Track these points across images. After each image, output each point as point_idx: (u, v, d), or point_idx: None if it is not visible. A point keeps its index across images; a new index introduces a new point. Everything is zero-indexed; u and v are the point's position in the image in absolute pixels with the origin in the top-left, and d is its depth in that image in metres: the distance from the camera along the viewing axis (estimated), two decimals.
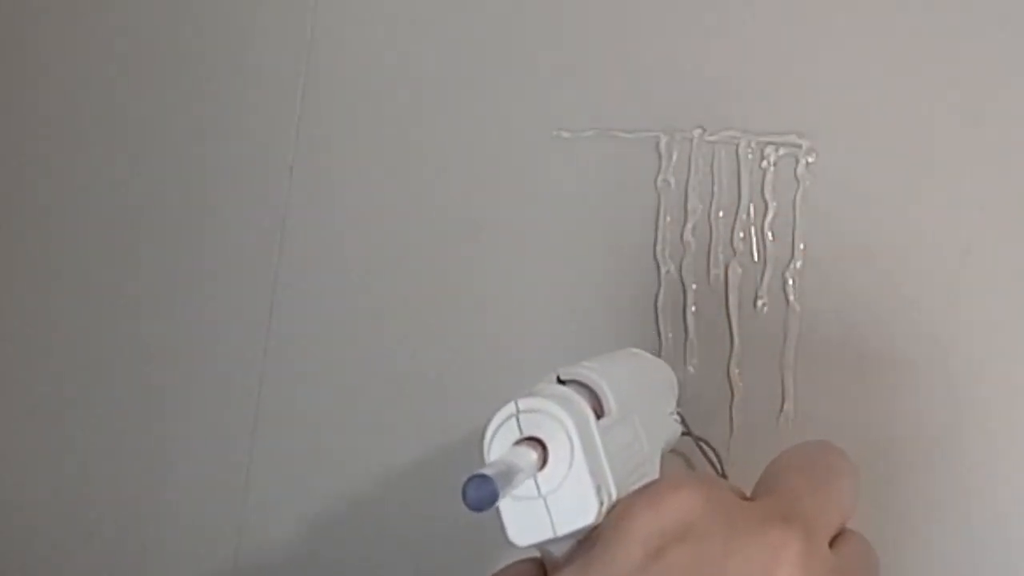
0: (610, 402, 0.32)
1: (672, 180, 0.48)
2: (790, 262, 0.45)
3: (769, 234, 0.46)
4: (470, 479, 0.26)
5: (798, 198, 0.46)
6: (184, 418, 0.56)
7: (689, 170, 0.47)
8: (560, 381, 0.32)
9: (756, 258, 0.46)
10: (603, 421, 0.31)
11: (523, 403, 0.29)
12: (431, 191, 0.52)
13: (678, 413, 0.40)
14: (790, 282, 0.45)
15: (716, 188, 0.47)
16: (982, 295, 0.43)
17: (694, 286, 0.47)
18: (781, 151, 0.46)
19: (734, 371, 0.46)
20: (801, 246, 0.45)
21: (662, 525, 0.29)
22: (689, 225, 0.47)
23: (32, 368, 0.60)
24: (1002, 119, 0.43)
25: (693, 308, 0.47)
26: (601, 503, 0.29)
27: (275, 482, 0.54)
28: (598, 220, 0.49)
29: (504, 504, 0.29)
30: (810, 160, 0.46)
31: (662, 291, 0.47)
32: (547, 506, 0.29)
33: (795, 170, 0.46)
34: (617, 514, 0.29)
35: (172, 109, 0.58)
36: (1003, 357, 0.42)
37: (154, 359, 0.57)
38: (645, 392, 0.36)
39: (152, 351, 0.57)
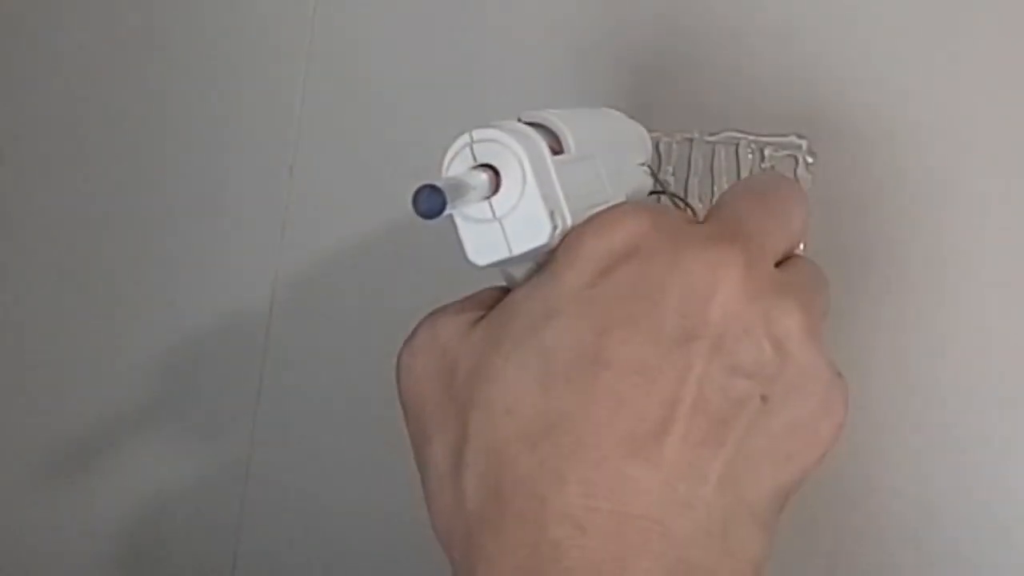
0: (569, 142, 0.32)
1: (672, 180, 0.48)
2: None
3: None
4: (420, 188, 0.27)
5: None
6: (185, 419, 0.56)
7: (689, 170, 0.47)
8: (522, 123, 0.32)
9: None
10: (560, 156, 0.32)
11: (477, 133, 0.30)
12: None
13: (648, 167, 0.40)
14: None
15: (716, 188, 0.47)
16: (983, 297, 0.43)
17: None
18: (781, 151, 0.46)
19: None
20: (801, 246, 0.45)
21: (610, 246, 0.30)
22: None
23: (33, 367, 0.60)
24: (1002, 118, 0.43)
25: None
26: (555, 226, 0.30)
27: (274, 487, 0.54)
28: None
29: (462, 226, 0.30)
30: (810, 160, 0.46)
31: None
32: (502, 228, 0.30)
33: (795, 170, 0.46)
34: (570, 236, 0.30)
35: (172, 109, 0.58)
36: (1002, 360, 0.42)
37: (155, 360, 0.57)
38: (611, 139, 0.37)
39: (153, 352, 0.57)
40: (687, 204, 0.42)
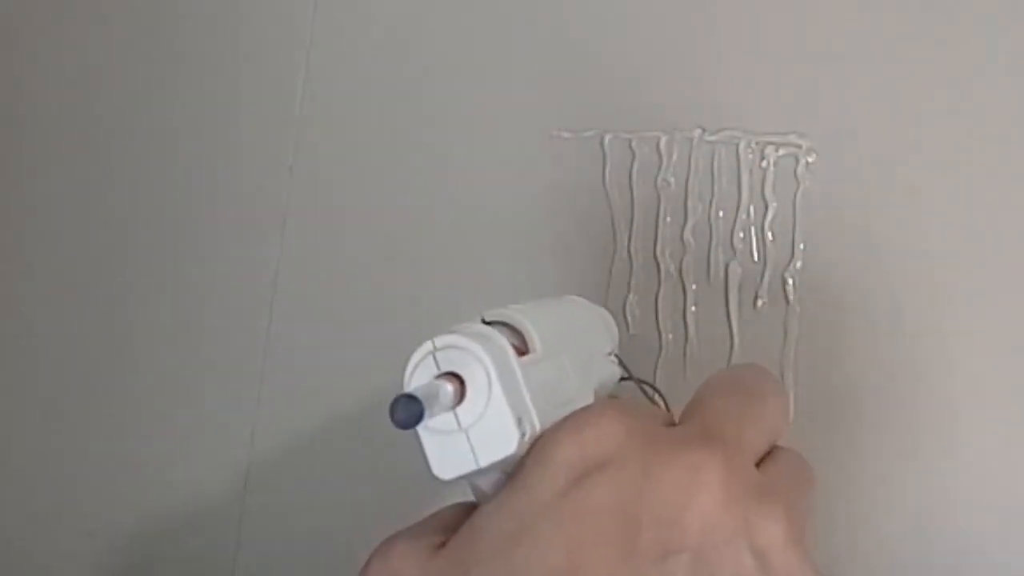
0: (534, 340, 0.31)
1: (672, 180, 0.48)
2: (790, 262, 0.45)
3: (769, 234, 0.46)
4: (397, 398, 0.26)
5: (798, 198, 0.46)
6: (184, 418, 0.56)
7: (689, 170, 0.47)
8: (485, 323, 0.32)
9: (756, 258, 0.46)
10: (526, 357, 0.31)
11: (440, 341, 0.29)
12: (431, 192, 0.52)
13: (616, 356, 0.39)
14: (790, 282, 0.45)
15: (716, 188, 0.47)
16: (982, 295, 0.43)
17: (694, 286, 0.47)
18: (781, 151, 0.46)
19: None
20: (801, 246, 0.45)
21: (583, 454, 0.29)
22: (689, 225, 0.47)
23: (34, 366, 0.60)
24: (1002, 118, 0.43)
25: (693, 308, 0.47)
26: (523, 434, 0.29)
27: (274, 488, 0.54)
28: (598, 220, 0.49)
29: (427, 439, 0.29)
30: (810, 160, 0.46)
31: (662, 291, 0.47)
32: (469, 439, 0.29)
33: (795, 170, 0.46)
34: (540, 444, 0.29)
35: (173, 109, 0.58)
36: (1002, 357, 0.42)
37: (153, 360, 0.57)
38: (576, 332, 0.36)
39: (152, 352, 0.57)
40: (656, 390, 0.40)
